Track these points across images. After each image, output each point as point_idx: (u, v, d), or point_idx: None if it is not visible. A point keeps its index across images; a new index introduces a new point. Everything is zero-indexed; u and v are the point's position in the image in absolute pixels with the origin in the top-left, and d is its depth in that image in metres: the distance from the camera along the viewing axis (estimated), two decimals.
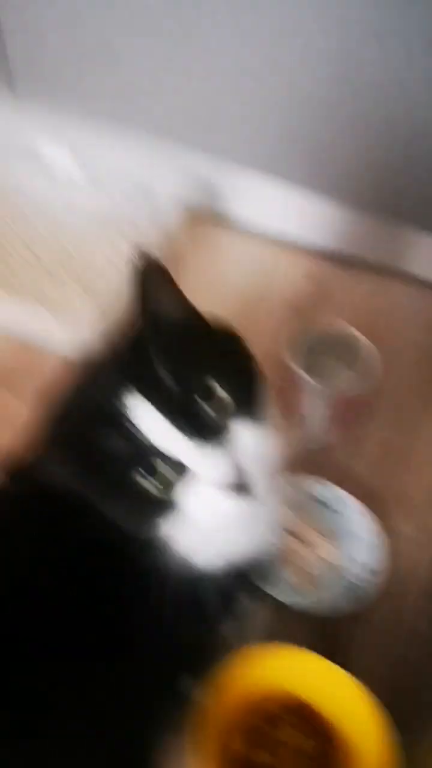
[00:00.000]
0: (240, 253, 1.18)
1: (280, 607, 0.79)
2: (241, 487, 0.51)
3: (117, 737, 0.57)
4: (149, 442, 0.49)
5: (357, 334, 0.91)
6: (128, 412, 0.49)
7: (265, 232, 1.18)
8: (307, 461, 0.90)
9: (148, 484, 0.50)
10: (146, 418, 0.49)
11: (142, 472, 0.50)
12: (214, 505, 0.51)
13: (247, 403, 0.53)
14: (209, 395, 0.51)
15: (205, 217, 1.19)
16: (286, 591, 0.81)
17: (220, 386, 0.51)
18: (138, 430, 0.49)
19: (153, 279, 0.52)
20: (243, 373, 0.55)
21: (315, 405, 0.90)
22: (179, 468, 0.50)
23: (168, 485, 0.51)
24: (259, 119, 1.06)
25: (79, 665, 0.54)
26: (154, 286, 0.52)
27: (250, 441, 0.52)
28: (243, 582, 0.63)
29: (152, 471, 0.50)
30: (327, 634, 0.80)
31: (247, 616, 0.76)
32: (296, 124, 1.04)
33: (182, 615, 0.54)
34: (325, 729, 0.71)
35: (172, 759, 0.66)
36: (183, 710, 0.65)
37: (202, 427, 0.50)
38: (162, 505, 0.51)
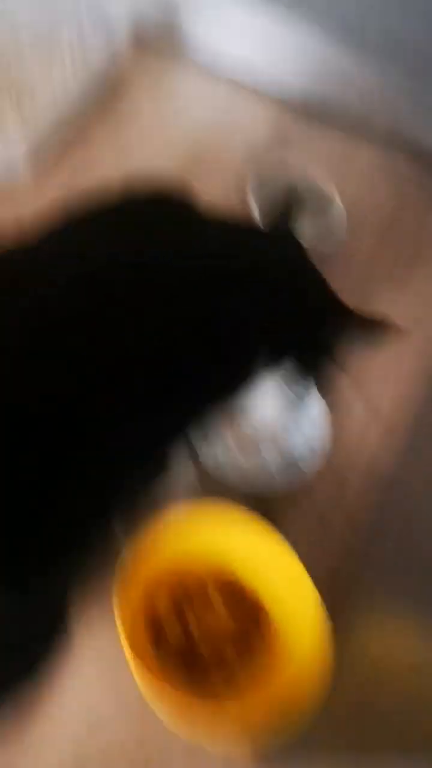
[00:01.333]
0: (198, 91, 1.05)
1: (213, 480, 0.75)
2: None
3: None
4: None
5: (325, 185, 0.86)
6: None
7: (229, 68, 1.06)
8: None
9: None
10: None
11: None
12: None
13: None
14: None
15: (160, 44, 1.06)
16: (223, 456, 0.76)
17: None
18: None
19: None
20: None
21: None
22: None
23: None
24: None
25: None
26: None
27: None
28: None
29: None
30: (261, 514, 0.74)
31: (179, 476, 0.73)
32: None
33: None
34: (252, 606, 0.68)
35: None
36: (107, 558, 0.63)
37: None
38: None
